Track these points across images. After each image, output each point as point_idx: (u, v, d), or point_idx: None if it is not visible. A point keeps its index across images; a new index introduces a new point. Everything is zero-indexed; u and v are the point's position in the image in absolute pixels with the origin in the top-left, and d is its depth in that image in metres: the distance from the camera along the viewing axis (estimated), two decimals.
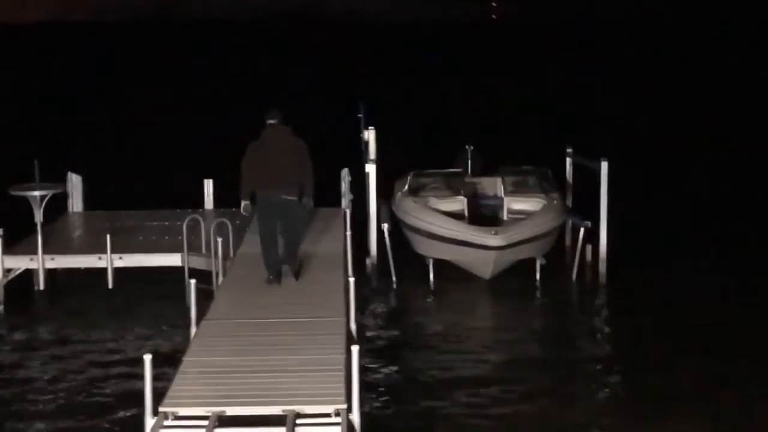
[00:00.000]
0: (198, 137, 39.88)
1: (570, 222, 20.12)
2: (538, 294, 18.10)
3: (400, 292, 18.13)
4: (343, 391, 9.93)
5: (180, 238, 17.48)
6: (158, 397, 9.73)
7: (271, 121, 14.35)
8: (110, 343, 15.14)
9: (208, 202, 20.81)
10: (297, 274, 14.79)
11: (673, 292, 17.83)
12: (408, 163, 21.46)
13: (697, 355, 14.45)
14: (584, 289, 18.47)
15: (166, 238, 18.31)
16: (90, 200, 21.00)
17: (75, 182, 20.52)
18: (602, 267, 18.84)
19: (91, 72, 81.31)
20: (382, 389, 13.14)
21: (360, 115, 21.16)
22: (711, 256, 20.36)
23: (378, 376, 13.60)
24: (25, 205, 17.31)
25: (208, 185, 20.86)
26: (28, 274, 17.43)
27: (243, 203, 14.48)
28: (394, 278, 18.49)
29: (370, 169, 19.27)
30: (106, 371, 13.88)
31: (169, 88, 65.46)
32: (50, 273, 17.44)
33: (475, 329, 16.16)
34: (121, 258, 17.01)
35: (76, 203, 20.60)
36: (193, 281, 12.50)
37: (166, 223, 19.42)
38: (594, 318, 16.90)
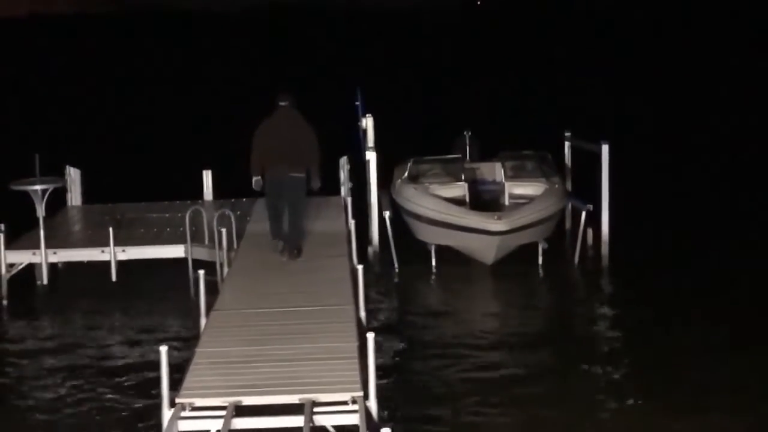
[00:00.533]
0: (195, 128, 39.83)
1: (570, 206, 20.16)
2: (541, 278, 18.14)
3: (403, 279, 18.15)
4: (358, 378, 9.95)
5: (182, 229, 17.49)
6: (174, 388, 9.73)
7: (282, 103, 15.25)
8: (117, 336, 15.11)
9: (208, 193, 20.78)
10: (300, 251, 15.40)
11: (674, 276, 17.87)
12: (407, 149, 21.44)
13: (698, 339, 14.48)
14: (587, 272, 18.50)
15: (168, 229, 18.29)
16: (88, 194, 20.96)
17: (74, 176, 20.48)
18: (604, 250, 18.87)
19: (85, 65, 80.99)
20: (392, 375, 13.16)
21: (357, 103, 21.14)
22: (713, 240, 20.40)
23: (387, 362, 13.61)
24: (25, 200, 17.27)
25: (207, 176, 20.83)
26: (30, 269, 17.38)
27: (254, 178, 15.29)
28: (396, 265, 18.51)
29: (370, 156, 19.27)
30: (115, 363, 13.89)
31: (165, 79, 65.30)
32: (52, 267, 17.40)
33: (477, 314, 16.19)
34: (124, 251, 16.99)
35: (75, 197, 20.56)
36: (201, 272, 12.49)
37: (167, 215, 19.39)
38: (597, 302, 16.90)
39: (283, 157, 14.88)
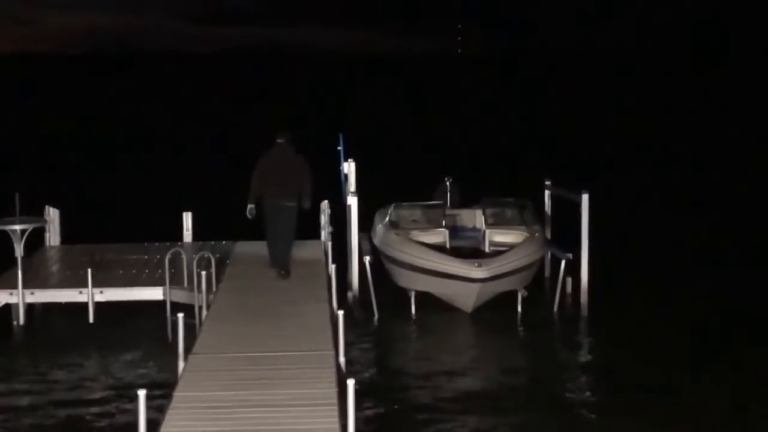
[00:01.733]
0: (175, 170, 39.80)
1: (550, 254, 20.25)
2: (520, 327, 18.14)
3: (382, 325, 18.11)
4: (337, 426, 9.90)
5: (160, 271, 17.40)
6: None
7: (279, 141, 17.21)
8: (93, 379, 14.96)
9: (187, 235, 20.72)
10: (287, 272, 17.10)
11: (654, 323, 17.94)
12: (388, 195, 21.50)
13: (677, 387, 14.49)
14: (565, 321, 18.52)
15: (147, 271, 18.21)
16: (67, 234, 20.86)
17: (53, 216, 20.39)
18: (583, 299, 18.95)
19: (65, 105, 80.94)
20: (371, 423, 13.11)
21: (339, 148, 21.23)
22: (691, 285, 20.52)
23: (366, 411, 13.55)
24: (3, 240, 17.18)
25: (187, 218, 20.79)
26: (7, 309, 17.24)
27: (249, 206, 17.14)
28: (376, 311, 18.49)
29: (351, 201, 19.32)
30: (89, 408, 13.71)
31: (145, 120, 65.35)
32: (29, 308, 17.27)
33: (458, 363, 16.12)
34: (102, 292, 16.89)
35: (54, 237, 20.46)
36: (180, 315, 12.42)
37: (146, 257, 19.32)
38: (576, 351, 16.93)
39: (278, 188, 16.86)
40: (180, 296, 16.70)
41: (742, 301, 19.36)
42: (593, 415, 13.60)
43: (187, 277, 16.80)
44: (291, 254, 17.61)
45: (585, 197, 18.86)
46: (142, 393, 9.46)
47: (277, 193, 16.93)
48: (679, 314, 18.55)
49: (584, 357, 16.54)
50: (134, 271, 18.23)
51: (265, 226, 17.41)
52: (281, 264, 17.16)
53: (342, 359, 12.72)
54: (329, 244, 18.44)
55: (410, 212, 20.20)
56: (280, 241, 17.28)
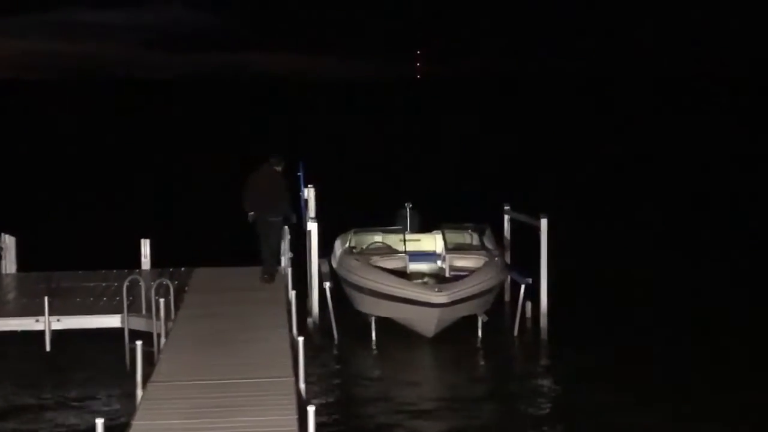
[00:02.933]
0: (133, 196, 39.55)
1: (510, 278, 20.33)
2: (480, 352, 18.17)
3: (342, 351, 18.07)
4: None
5: (118, 299, 17.25)
6: None
7: (271, 161, 18.95)
8: (51, 408, 14.78)
9: (145, 262, 20.55)
10: (272, 277, 18.77)
11: (613, 347, 18.04)
12: (348, 220, 21.52)
13: (637, 408, 14.60)
14: (526, 346, 18.59)
15: (104, 299, 18.05)
16: (23, 262, 20.62)
17: (8, 243, 20.17)
18: (543, 323, 19.02)
19: (19, 130, 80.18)
20: None
21: (300, 174, 21.22)
22: (649, 308, 20.70)
23: None
24: None
25: (145, 245, 20.62)
26: None
27: (249, 214, 18.70)
28: (336, 337, 18.45)
29: (311, 226, 19.30)
30: None
31: (102, 146, 64.90)
32: None
33: (419, 389, 16.08)
34: (59, 320, 16.71)
35: (9, 265, 20.23)
36: (139, 343, 12.32)
37: (104, 284, 19.14)
38: (536, 375, 16.96)
39: (263, 205, 18.53)
40: (138, 324, 16.55)
41: (707, 317, 19.52)
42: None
43: (146, 304, 16.66)
44: (277, 263, 19.41)
45: (544, 222, 18.98)
46: (99, 422, 9.37)
47: (262, 208, 18.57)
48: (640, 336, 18.68)
49: (544, 381, 16.57)
50: (92, 299, 18.07)
51: (256, 236, 18.97)
52: (267, 270, 18.83)
53: (302, 386, 12.68)
54: (289, 269, 18.40)
55: (370, 237, 20.26)
56: (268, 252, 18.92)
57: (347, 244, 20.01)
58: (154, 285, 16.53)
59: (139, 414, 11.23)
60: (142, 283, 17.09)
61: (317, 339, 18.55)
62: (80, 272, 20.18)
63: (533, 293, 19.12)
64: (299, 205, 20.12)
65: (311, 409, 9.73)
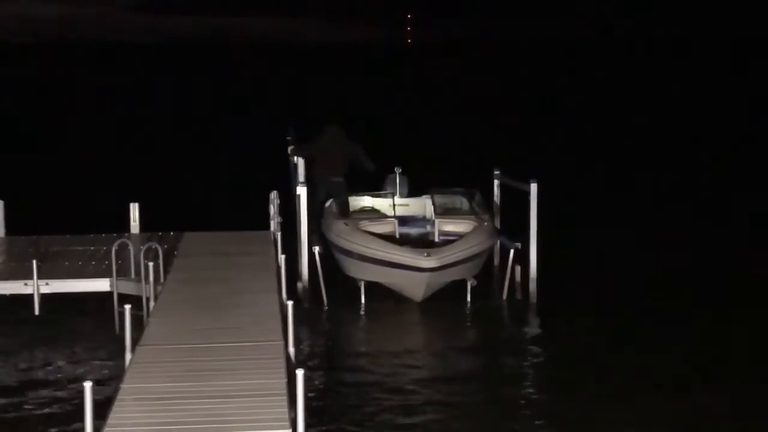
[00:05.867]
0: (122, 160, 39.39)
1: (499, 243, 20.34)
2: (469, 316, 18.22)
3: (332, 316, 18.10)
4: (287, 416, 9.86)
5: (107, 263, 17.19)
6: (97, 425, 9.51)
7: (331, 127, 20.89)
8: (39, 372, 14.79)
9: (134, 226, 20.44)
10: None
11: (602, 313, 18.09)
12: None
13: (621, 381, 14.64)
14: (514, 310, 18.64)
15: (93, 263, 17.97)
16: (11, 225, 20.51)
17: None
18: (532, 287, 19.05)
19: (6, 94, 79.66)
20: (321, 413, 13.10)
21: (289, 138, 21.14)
22: (640, 277, 20.74)
23: (316, 399, 13.54)
24: None
25: (134, 209, 20.50)
26: None
27: (292, 148, 21.34)
28: (325, 301, 18.47)
29: (301, 191, 19.24)
30: (35, 401, 13.55)
31: (90, 110, 64.54)
32: None
33: (408, 353, 16.09)
34: (47, 284, 16.63)
35: None
36: (127, 306, 12.27)
37: (92, 248, 19.05)
38: (524, 339, 17.02)
39: (327, 166, 20.52)
40: (127, 288, 16.51)
41: (694, 284, 19.59)
42: (541, 402, 13.72)
43: (135, 268, 16.61)
44: None
45: (534, 186, 18.97)
46: (88, 385, 9.33)
47: (326, 169, 20.47)
48: (628, 300, 18.75)
49: (532, 345, 16.63)
50: (80, 263, 17.98)
51: (315, 195, 20.29)
52: None
53: (291, 350, 12.67)
54: (278, 234, 18.36)
55: (360, 202, 20.21)
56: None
57: (336, 209, 19.95)
58: (143, 249, 16.46)
59: (127, 377, 11.21)
60: (131, 247, 17.03)
61: (307, 303, 18.57)
62: (69, 236, 20.08)
63: (522, 258, 19.15)
64: (292, 170, 20.30)
65: (300, 373, 9.71)
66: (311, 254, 18.85)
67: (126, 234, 19.77)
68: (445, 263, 17.69)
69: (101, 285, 16.83)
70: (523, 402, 13.75)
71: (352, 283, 18.75)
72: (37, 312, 16.54)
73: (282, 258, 16.34)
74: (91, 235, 20.08)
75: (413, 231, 20.08)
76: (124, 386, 10.85)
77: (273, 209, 19.91)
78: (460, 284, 18.53)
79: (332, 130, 20.79)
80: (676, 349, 15.94)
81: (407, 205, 20.94)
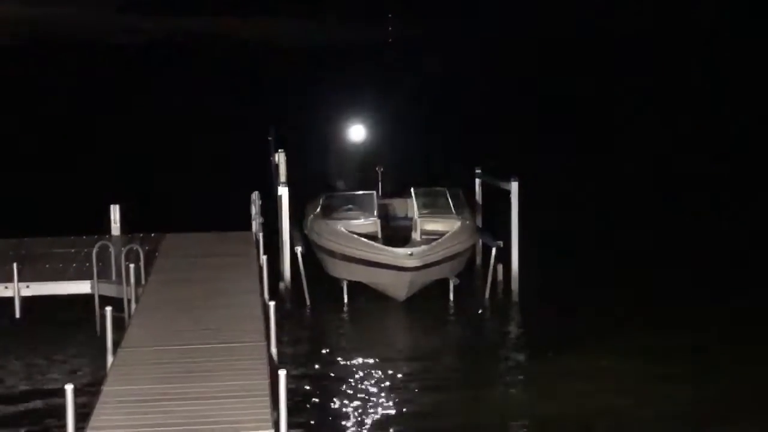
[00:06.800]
0: (102, 161, 39.18)
1: (481, 242, 20.37)
2: (452, 315, 18.24)
3: (314, 316, 18.09)
4: (269, 416, 9.84)
5: (88, 265, 17.11)
6: (79, 428, 9.46)
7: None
8: (20, 374, 14.72)
9: (115, 228, 20.33)
10: None
11: (583, 310, 18.11)
12: (319, 185, 21.45)
13: (606, 365, 14.70)
14: (497, 307, 18.67)
15: (74, 265, 17.89)
16: None
17: None
18: (514, 285, 19.11)
19: None
20: (304, 412, 13.09)
21: (270, 138, 21.11)
22: (619, 271, 20.80)
23: (299, 400, 13.52)
24: None
25: (115, 210, 20.40)
26: None
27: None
28: (308, 301, 18.44)
29: (282, 191, 19.21)
30: (16, 404, 13.49)
31: (70, 111, 64.15)
32: None
33: (390, 352, 16.10)
34: (28, 287, 16.56)
35: None
36: (108, 308, 12.22)
37: (73, 250, 18.96)
38: (507, 337, 17.06)
39: None
40: (108, 290, 16.45)
41: (676, 285, 19.69)
42: (522, 400, 13.77)
43: (116, 270, 16.55)
44: None
45: (515, 185, 19.02)
46: (69, 388, 9.28)
47: None
48: (608, 297, 18.77)
49: (515, 342, 16.67)
50: (61, 265, 17.91)
51: None
52: None
53: (274, 350, 12.66)
54: (260, 234, 18.32)
55: (342, 201, 20.15)
56: None
57: (318, 209, 19.92)
58: (124, 251, 16.40)
59: (109, 380, 11.16)
60: (111, 249, 16.97)
61: (289, 303, 18.54)
62: (49, 238, 19.98)
63: (504, 256, 19.18)
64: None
65: (282, 373, 9.71)
66: (293, 254, 18.82)
67: (107, 236, 19.68)
68: (427, 262, 17.70)
69: (82, 287, 16.78)
70: (506, 400, 13.79)
71: (335, 283, 18.74)
72: (18, 315, 16.46)
73: (264, 258, 16.31)
74: (72, 237, 19.99)
75: (396, 230, 20.06)
76: (106, 389, 10.80)
77: (254, 209, 19.87)
78: (443, 283, 18.55)
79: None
80: (663, 348, 16.00)
81: (390, 204, 20.95)
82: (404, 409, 13.32)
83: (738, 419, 12.90)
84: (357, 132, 21.86)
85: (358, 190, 20.71)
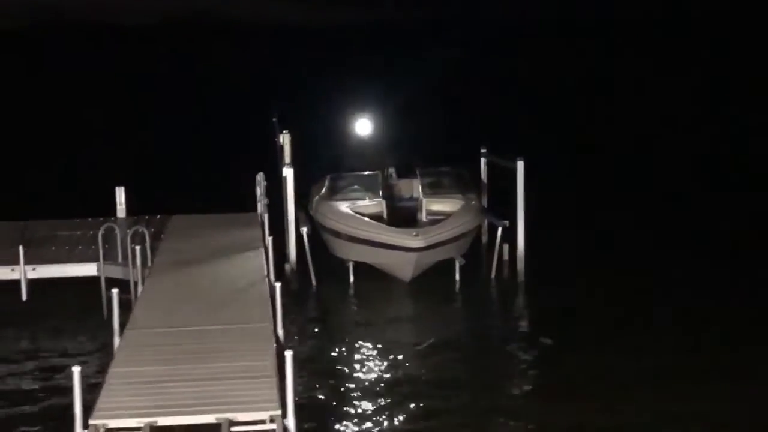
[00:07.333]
0: (107, 143, 39.19)
1: (487, 222, 20.36)
2: (458, 294, 18.25)
3: (320, 296, 18.12)
4: (276, 397, 9.86)
5: (94, 247, 17.14)
6: (86, 410, 9.51)
7: None
8: (27, 357, 14.76)
9: (120, 210, 20.39)
10: None
11: (586, 292, 18.07)
12: (324, 166, 21.42)
13: (606, 361, 14.63)
14: (502, 288, 18.68)
15: (80, 247, 17.94)
16: None
17: None
18: (520, 265, 19.09)
19: None
20: (310, 393, 13.13)
21: (274, 119, 21.06)
22: (624, 252, 20.78)
23: (305, 381, 13.55)
24: None
25: (120, 193, 20.44)
26: None
27: None
28: (314, 282, 18.46)
29: (287, 172, 19.20)
30: (26, 384, 13.57)
31: (75, 93, 64.14)
32: None
33: (397, 333, 16.15)
34: (34, 269, 16.62)
35: None
36: (115, 290, 12.25)
37: (78, 233, 19.00)
38: (513, 318, 17.07)
39: None
40: (114, 272, 16.49)
41: (685, 273, 19.61)
42: (528, 378, 13.79)
43: (122, 252, 16.59)
44: None
45: (520, 164, 18.99)
46: (76, 369, 9.32)
47: None
48: (612, 279, 18.76)
49: (520, 323, 16.68)
50: (67, 248, 17.95)
51: None
52: None
53: (280, 331, 12.70)
54: (265, 216, 18.33)
55: (347, 182, 20.12)
56: None
57: (324, 190, 19.90)
58: (129, 233, 16.44)
59: (116, 361, 11.20)
60: (117, 231, 17.00)
61: (295, 285, 18.57)
62: (55, 221, 20.01)
63: (510, 236, 19.17)
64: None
65: (289, 354, 9.72)
66: (299, 235, 18.83)
67: (112, 218, 19.73)
68: (433, 243, 17.69)
69: (88, 270, 16.82)
70: (513, 387, 13.74)
71: (340, 264, 18.75)
72: (24, 297, 16.52)
73: (269, 240, 16.32)
74: (77, 219, 20.01)
75: (401, 211, 20.05)
76: (113, 370, 10.83)
77: (260, 191, 19.85)
78: (449, 263, 18.55)
79: None
80: (669, 330, 15.97)
81: (395, 184, 20.92)
82: (411, 393, 13.31)
83: None
84: (362, 126, 21.70)
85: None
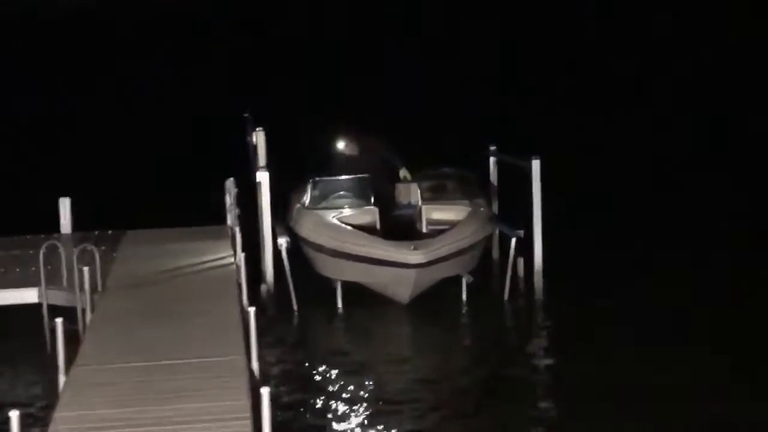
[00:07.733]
0: (48, 149, 39.14)
1: (498, 232, 20.37)
2: (465, 319, 18.25)
3: (302, 323, 18.15)
4: None
5: (34, 269, 17.12)
6: None
7: None
8: None
9: (65, 225, 20.41)
10: None
11: (616, 310, 17.99)
12: (305, 168, 21.46)
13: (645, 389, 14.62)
14: (518, 310, 18.68)
15: (18, 270, 17.95)
16: None
17: None
18: (537, 282, 19.12)
19: None
20: None
21: (246, 115, 21.09)
22: (652, 265, 20.75)
23: (284, 424, 13.52)
24: None
25: (65, 204, 20.46)
26: None
27: None
28: (295, 306, 18.46)
29: (262, 177, 19.20)
30: None
31: (13, 98, 64.12)
32: None
33: (392, 367, 16.05)
34: None
35: None
36: (59, 320, 12.22)
37: (17, 252, 18.99)
38: (529, 348, 16.88)
39: None
40: (59, 298, 16.49)
41: (706, 285, 19.59)
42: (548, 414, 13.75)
43: (67, 274, 16.55)
44: None
45: (536, 163, 19.00)
46: (14, 415, 9.28)
47: None
48: (641, 297, 18.67)
49: (539, 354, 16.55)
50: (3, 270, 17.96)
51: None
52: None
53: (255, 365, 12.70)
54: (237, 228, 18.30)
55: (333, 188, 20.09)
56: None
57: (305, 197, 19.90)
58: (76, 251, 16.40)
59: (62, 404, 11.17)
60: (62, 250, 16.96)
61: (272, 309, 18.60)
62: None
63: (526, 248, 19.17)
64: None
65: (265, 392, 9.70)
66: (276, 250, 18.82)
67: (56, 234, 19.73)
68: (434, 257, 17.69)
69: (28, 295, 16.81)
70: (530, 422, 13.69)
71: (326, 285, 18.75)
72: None
73: (241, 257, 16.30)
74: (15, 237, 20.02)
75: (397, 220, 20.05)
76: (58, 414, 10.81)
77: (229, 200, 19.86)
78: (454, 282, 18.55)
79: None
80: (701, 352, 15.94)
81: (390, 189, 20.91)
82: None
83: None
84: (345, 146, 21.72)
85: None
